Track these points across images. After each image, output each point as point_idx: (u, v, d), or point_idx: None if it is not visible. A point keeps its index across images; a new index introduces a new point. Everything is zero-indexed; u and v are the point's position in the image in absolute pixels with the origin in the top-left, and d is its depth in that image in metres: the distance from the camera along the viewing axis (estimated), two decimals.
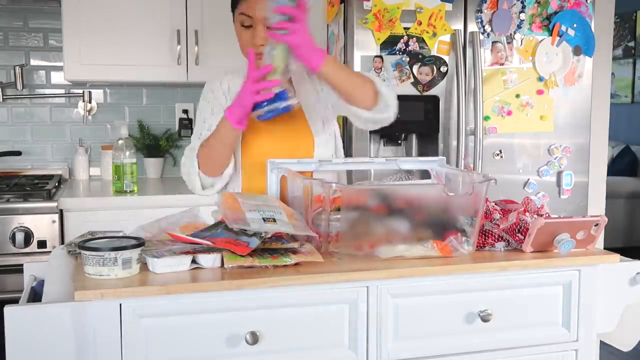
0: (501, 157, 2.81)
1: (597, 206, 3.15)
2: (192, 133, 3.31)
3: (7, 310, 1.23)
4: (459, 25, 2.72)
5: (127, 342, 1.29)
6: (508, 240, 1.59)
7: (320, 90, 1.94)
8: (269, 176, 1.71)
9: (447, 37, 2.71)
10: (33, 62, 3.24)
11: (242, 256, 1.38)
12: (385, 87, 1.83)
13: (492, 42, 2.76)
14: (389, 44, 2.63)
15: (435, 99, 2.70)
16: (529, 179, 2.85)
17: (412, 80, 2.66)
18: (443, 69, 2.70)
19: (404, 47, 2.65)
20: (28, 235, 2.55)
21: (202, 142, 1.83)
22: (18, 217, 2.56)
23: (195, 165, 1.82)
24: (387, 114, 1.82)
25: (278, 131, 1.88)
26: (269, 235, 1.42)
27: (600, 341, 1.69)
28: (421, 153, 2.81)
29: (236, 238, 1.40)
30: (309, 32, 1.67)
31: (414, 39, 2.66)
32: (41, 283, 1.52)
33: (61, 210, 2.61)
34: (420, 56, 2.67)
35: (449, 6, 2.69)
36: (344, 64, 2.62)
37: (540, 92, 2.83)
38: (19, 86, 3.17)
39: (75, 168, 3.24)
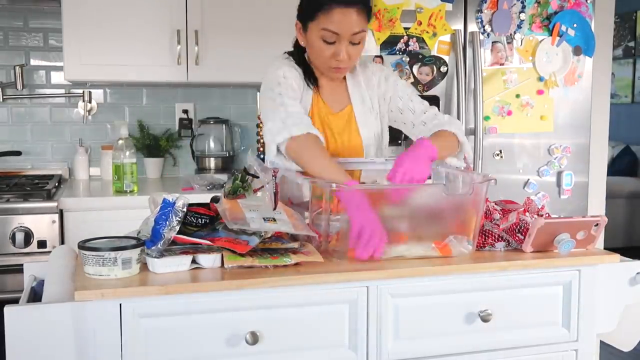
0: (501, 157, 2.81)
1: (597, 206, 3.15)
2: (192, 133, 3.32)
3: (7, 310, 1.23)
4: (459, 25, 2.73)
5: (127, 342, 1.29)
6: (508, 240, 1.59)
7: (375, 105, 1.97)
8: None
9: (447, 37, 2.71)
10: (33, 62, 3.24)
11: (242, 256, 1.38)
12: (462, 133, 1.85)
13: (492, 42, 2.76)
14: (389, 44, 2.64)
15: (435, 99, 2.70)
16: (529, 179, 2.86)
17: (412, 80, 2.66)
18: (443, 69, 2.70)
19: (404, 47, 2.65)
20: (28, 235, 2.55)
21: (315, 147, 1.67)
22: (18, 217, 2.56)
23: (285, 135, 1.67)
24: (460, 161, 1.88)
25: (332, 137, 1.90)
26: (269, 235, 1.42)
27: (600, 341, 1.69)
28: None
29: (236, 237, 1.40)
30: (412, 158, 1.65)
31: (414, 39, 2.66)
32: (41, 283, 1.52)
33: (61, 210, 2.61)
34: (420, 56, 2.67)
35: (449, 6, 2.69)
36: None
37: (540, 92, 2.83)
38: (19, 86, 3.17)
39: (75, 168, 3.24)
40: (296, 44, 2.00)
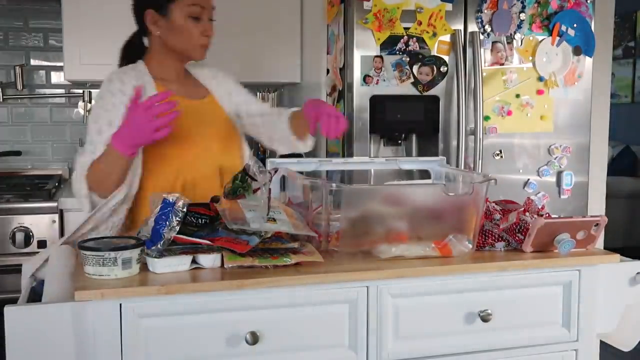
0: (501, 157, 2.81)
1: (597, 206, 3.14)
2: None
3: (7, 310, 1.23)
4: (459, 25, 2.72)
5: (127, 342, 1.29)
6: (508, 240, 1.59)
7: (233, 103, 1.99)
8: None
9: (447, 37, 2.71)
10: (33, 62, 3.24)
11: (242, 256, 1.38)
12: None
13: (492, 42, 2.76)
14: (389, 44, 2.63)
15: (435, 99, 2.70)
16: (529, 179, 2.85)
17: (412, 80, 2.66)
18: (443, 69, 2.70)
19: (404, 47, 2.65)
20: (28, 235, 2.55)
21: (93, 164, 1.71)
22: (18, 217, 2.56)
23: (84, 188, 1.72)
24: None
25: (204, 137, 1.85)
26: (269, 235, 1.42)
27: (600, 341, 1.69)
28: (421, 153, 2.81)
29: (236, 237, 1.40)
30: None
31: (414, 39, 2.66)
32: (41, 283, 1.52)
33: (61, 211, 2.61)
34: (420, 56, 2.67)
35: (449, 6, 2.69)
36: (343, 65, 2.62)
37: (540, 92, 2.83)
38: (19, 86, 3.18)
39: (75, 168, 3.24)
40: (125, 51, 1.98)
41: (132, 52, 1.93)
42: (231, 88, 2.00)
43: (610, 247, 2.00)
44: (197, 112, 1.85)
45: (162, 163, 1.77)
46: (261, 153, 3.40)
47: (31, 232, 2.56)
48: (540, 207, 1.68)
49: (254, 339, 1.34)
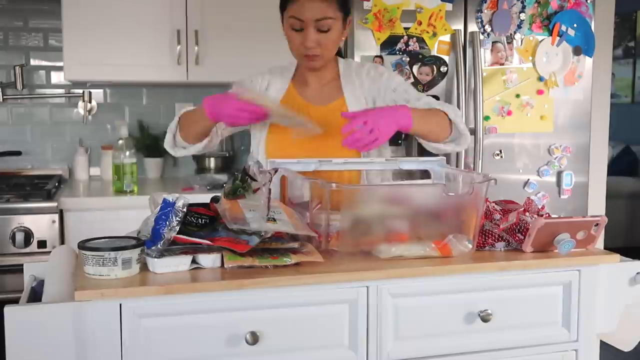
0: (501, 157, 2.81)
1: (597, 206, 3.15)
2: None
3: (7, 310, 1.23)
4: (459, 25, 2.73)
5: (127, 342, 1.29)
6: (508, 240, 1.59)
7: (370, 103, 1.96)
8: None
9: (447, 37, 2.71)
10: (33, 62, 3.24)
11: (242, 256, 1.38)
12: (457, 114, 1.89)
13: (492, 42, 2.76)
14: (389, 44, 2.64)
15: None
16: (529, 179, 2.86)
17: (412, 80, 2.66)
18: (443, 69, 2.70)
19: (404, 47, 2.65)
20: (28, 235, 2.55)
21: (187, 111, 1.98)
22: (18, 217, 2.56)
23: (174, 123, 1.97)
24: (460, 145, 1.92)
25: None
26: (269, 235, 1.42)
27: (600, 341, 1.69)
28: (421, 153, 2.81)
29: (236, 237, 1.40)
30: (379, 111, 1.74)
31: (414, 39, 2.66)
32: (41, 283, 1.52)
33: (61, 210, 2.61)
34: (420, 56, 2.67)
35: (449, 6, 2.70)
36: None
37: (540, 92, 2.83)
38: (19, 86, 3.18)
39: (75, 168, 3.24)
40: None
41: None
42: (381, 91, 1.95)
43: (610, 247, 2.01)
44: (320, 118, 1.88)
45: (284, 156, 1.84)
46: None
47: (31, 232, 2.56)
48: (540, 207, 1.68)
49: (254, 339, 1.34)
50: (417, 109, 1.83)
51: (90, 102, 3.28)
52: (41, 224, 2.57)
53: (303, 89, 1.99)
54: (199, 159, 3.37)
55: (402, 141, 2.81)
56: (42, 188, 2.75)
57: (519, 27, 2.78)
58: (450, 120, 1.87)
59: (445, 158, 1.83)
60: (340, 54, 2.05)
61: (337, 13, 1.85)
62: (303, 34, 1.84)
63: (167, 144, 2.00)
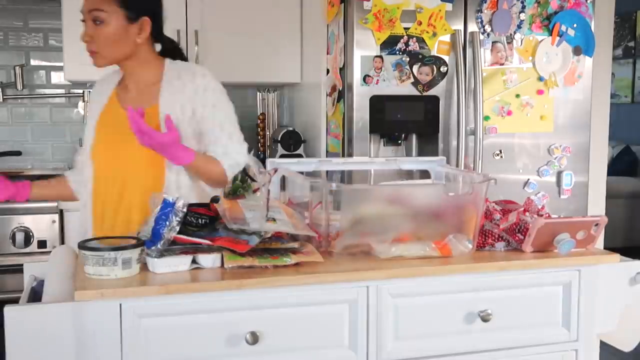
0: (501, 157, 2.81)
1: (597, 206, 3.14)
2: None
3: (7, 310, 1.23)
4: (459, 25, 2.72)
5: (127, 342, 1.29)
6: (508, 240, 1.59)
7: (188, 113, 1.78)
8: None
9: (447, 37, 2.71)
10: (33, 62, 3.24)
11: (242, 256, 1.38)
12: (231, 168, 1.72)
13: (492, 42, 2.76)
14: (389, 44, 2.63)
15: (435, 99, 2.70)
16: (529, 179, 2.85)
17: (412, 80, 2.66)
18: (443, 69, 2.70)
19: (404, 47, 2.65)
20: (28, 235, 2.55)
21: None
22: (18, 217, 2.56)
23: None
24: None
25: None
26: (269, 235, 1.42)
27: (600, 341, 1.69)
28: (421, 153, 2.81)
29: (236, 237, 1.40)
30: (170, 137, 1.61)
31: (414, 39, 2.66)
32: (41, 283, 1.52)
33: (61, 210, 2.61)
34: (420, 56, 2.67)
35: (449, 6, 2.69)
36: (343, 65, 2.61)
37: (540, 92, 2.83)
38: (19, 86, 3.18)
39: None
40: None
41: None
42: (198, 104, 1.77)
43: (610, 247, 2.00)
44: (124, 126, 1.68)
45: (98, 169, 1.81)
46: (261, 153, 3.41)
47: (31, 232, 2.56)
48: (540, 207, 1.68)
49: (254, 339, 1.34)
50: (200, 156, 1.70)
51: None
52: (41, 224, 2.57)
53: (123, 95, 1.85)
54: None
55: (402, 141, 2.81)
56: None
57: (519, 27, 2.77)
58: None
59: (445, 158, 1.84)
60: (182, 56, 1.95)
61: (113, 7, 1.78)
62: (85, 29, 1.80)
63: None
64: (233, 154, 1.73)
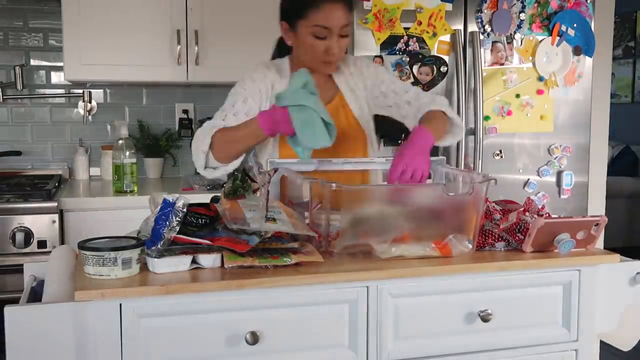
0: (501, 157, 2.81)
1: (597, 206, 3.15)
2: (192, 133, 3.33)
3: (7, 310, 1.23)
4: (459, 25, 2.73)
5: (127, 342, 1.29)
6: (508, 240, 1.59)
7: (361, 93, 2.00)
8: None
9: (447, 37, 2.71)
10: (33, 62, 3.24)
11: (242, 256, 1.38)
12: (451, 110, 1.90)
13: (492, 42, 2.76)
14: (389, 44, 2.64)
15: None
16: (529, 179, 2.86)
17: (412, 80, 2.66)
18: (443, 69, 2.70)
19: (404, 47, 2.65)
20: (28, 235, 2.55)
21: (225, 128, 1.82)
22: (18, 217, 2.56)
23: (207, 144, 1.81)
24: (457, 136, 1.94)
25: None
26: (269, 235, 1.42)
27: (600, 341, 1.69)
28: None
29: (236, 237, 1.40)
30: (409, 152, 1.68)
31: (414, 39, 2.66)
32: (41, 283, 1.52)
33: (61, 210, 2.61)
34: (420, 56, 2.67)
35: (449, 6, 2.69)
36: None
37: (540, 92, 2.83)
38: (19, 86, 3.17)
39: (75, 168, 3.24)
40: (278, 45, 2.06)
41: (284, 47, 1.99)
42: (368, 81, 2.00)
43: (610, 247, 2.01)
44: None
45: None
46: None
47: (31, 232, 2.56)
48: (540, 207, 1.68)
49: (254, 339, 1.34)
50: (429, 122, 1.81)
51: (90, 102, 3.28)
52: (41, 224, 2.57)
53: None
54: None
55: (402, 141, 2.81)
56: (42, 188, 2.75)
57: (519, 27, 2.78)
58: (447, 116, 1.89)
59: (445, 158, 1.83)
60: None
61: (350, 16, 1.88)
62: (327, 42, 1.84)
63: (201, 167, 1.85)
64: (429, 97, 1.94)
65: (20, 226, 2.55)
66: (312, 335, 1.40)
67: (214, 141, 1.80)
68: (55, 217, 2.58)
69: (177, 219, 1.35)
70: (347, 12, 1.84)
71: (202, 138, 1.82)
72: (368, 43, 2.61)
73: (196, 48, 2.96)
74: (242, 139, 1.80)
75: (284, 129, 1.70)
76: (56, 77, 3.26)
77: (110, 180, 2.94)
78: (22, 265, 1.66)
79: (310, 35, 1.84)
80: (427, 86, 2.69)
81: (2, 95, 3.19)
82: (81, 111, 3.29)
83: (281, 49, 2.03)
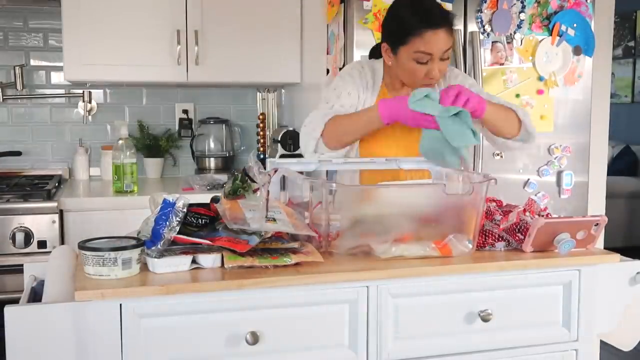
0: (501, 157, 2.81)
1: (597, 206, 3.14)
2: (192, 133, 3.33)
3: (7, 310, 1.23)
4: (459, 25, 2.72)
5: (127, 342, 1.29)
6: (508, 240, 1.59)
7: None
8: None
9: None
10: (33, 62, 3.24)
11: (242, 256, 1.38)
12: (526, 115, 1.97)
13: (492, 42, 2.76)
14: None
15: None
16: (529, 179, 2.85)
17: None
18: None
19: None
20: (28, 235, 2.55)
21: (338, 116, 1.88)
22: (18, 217, 2.56)
23: (318, 131, 1.86)
24: (528, 142, 1.99)
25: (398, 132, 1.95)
26: (269, 235, 1.42)
27: (600, 341, 1.69)
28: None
29: (236, 237, 1.40)
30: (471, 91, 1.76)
31: None
32: (41, 283, 1.52)
33: (61, 211, 2.61)
34: None
35: (448, 6, 2.69)
36: (343, 65, 2.61)
37: (540, 91, 2.83)
38: (19, 86, 3.18)
39: (75, 168, 3.24)
40: (371, 54, 2.18)
41: (377, 54, 2.07)
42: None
43: (610, 247, 2.00)
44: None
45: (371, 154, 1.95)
46: (261, 153, 3.41)
47: (31, 232, 2.56)
48: (542, 207, 1.68)
49: (254, 339, 1.34)
50: (491, 102, 1.88)
51: (90, 102, 3.28)
52: (41, 224, 2.57)
53: (392, 92, 2.02)
54: (199, 159, 3.37)
55: None
56: (42, 188, 2.75)
57: (519, 27, 2.77)
58: (519, 119, 1.94)
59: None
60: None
61: (453, 38, 1.90)
62: (429, 66, 1.87)
63: (311, 152, 1.90)
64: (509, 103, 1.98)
65: (20, 226, 2.55)
66: (312, 335, 1.40)
67: (326, 128, 1.86)
68: (55, 217, 2.58)
69: (177, 219, 1.35)
70: (449, 36, 1.86)
71: (314, 125, 1.89)
72: (368, 43, 2.61)
73: (196, 48, 2.96)
74: (356, 126, 1.86)
75: (401, 115, 1.76)
76: (56, 77, 3.26)
77: (110, 180, 2.95)
78: (22, 265, 1.66)
79: (412, 61, 1.87)
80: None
81: (2, 95, 3.19)
82: (81, 111, 3.29)
83: (378, 51, 2.06)
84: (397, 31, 1.89)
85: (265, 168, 1.73)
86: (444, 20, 1.86)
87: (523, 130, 1.96)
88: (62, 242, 2.59)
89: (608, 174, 3.28)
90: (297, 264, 1.40)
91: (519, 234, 1.58)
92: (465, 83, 2.02)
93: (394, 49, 1.92)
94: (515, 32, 2.77)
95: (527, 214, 1.62)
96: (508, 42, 2.78)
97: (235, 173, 1.55)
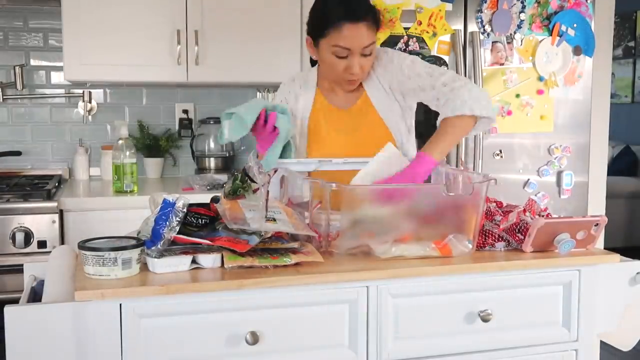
0: (501, 157, 2.81)
1: (597, 206, 3.15)
2: (192, 133, 3.33)
3: (7, 310, 1.23)
4: (459, 25, 2.73)
5: (127, 342, 1.29)
6: (508, 240, 1.59)
7: (387, 88, 1.96)
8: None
9: (447, 37, 2.71)
10: (33, 62, 3.24)
11: (242, 256, 1.38)
12: (477, 101, 1.77)
13: (492, 42, 2.76)
14: (389, 44, 2.64)
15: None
16: (529, 179, 2.86)
17: None
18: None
19: (404, 47, 2.65)
20: (28, 235, 2.55)
21: None
22: (18, 217, 2.56)
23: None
24: (486, 126, 1.85)
25: (349, 130, 1.95)
26: (269, 235, 1.42)
27: (600, 341, 1.69)
28: None
29: (236, 237, 1.40)
30: (412, 173, 1.70)
31: (414, 39, 2.66)
32: (41, 283, 1.52)
33: (61, 210, 2.61)
34: (420, 56, 2.67)
35: (449, 6, 2.69)
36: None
37: (540, 92, 2.83)
38: (19, 86, 3.18)
39: (75, 168, 3.24)
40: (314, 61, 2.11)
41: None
42: (395, 82, 1.93)
43: (610, 247, 2.01)
44: (340, 120, 1.96)
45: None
46: None
47: (31, 232, 2.56)
48: (542, 208, 1.68)
49: (254, 339, 1.34)
50: (439, 140, 1.76)
51: (90, 102, 3.28)
52: (41, 224, 2.57)
53: (330, 96, 2.00)
54: (199, 159, 3.37)
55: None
56: (42, 188, 2.75)
57: (519, 27, 2.78)
58: (471, 116, 1.78)
59: (445, 158, 1.83)
60: None
61: (376, 35, 1.85)
62: (348, 61, 1.82)
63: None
64: (455, 86, 1.80)
65: (20, 226, 2.55)
66: (312, 335, 1.40)
67: None
68: (55, 217, 2.58)
69: (177, 219, 1.35)
70: (370, 31, 1.80)
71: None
72: None
73: (196, 48, 2.96)
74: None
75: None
76: (56, 77, 3.26)
77: (110, 180, 2.94)
78: (22, 265, 1.66)
79: (331, 54, 1.82)
80: None
81: (2, 95, 3.19)
82: (81, 111, 3.29)
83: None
84: (317, 24, 1.84)
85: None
86: (366, 14, 1.79)
87: (479, 122, 1.81)
88: (62, 242, 2.59)
89: (608, 174, 3.29)
90: (297, 264, 1.40)
91: (519, 234, 1.58)
92: (403, 64, 1.90)
93: (315, 42, 1.87)
94: (515, 32, 2.78)
95: (527, 214, 1.62)
96: (508, 42, 2.78)
97: (235, 173, 1.55)
